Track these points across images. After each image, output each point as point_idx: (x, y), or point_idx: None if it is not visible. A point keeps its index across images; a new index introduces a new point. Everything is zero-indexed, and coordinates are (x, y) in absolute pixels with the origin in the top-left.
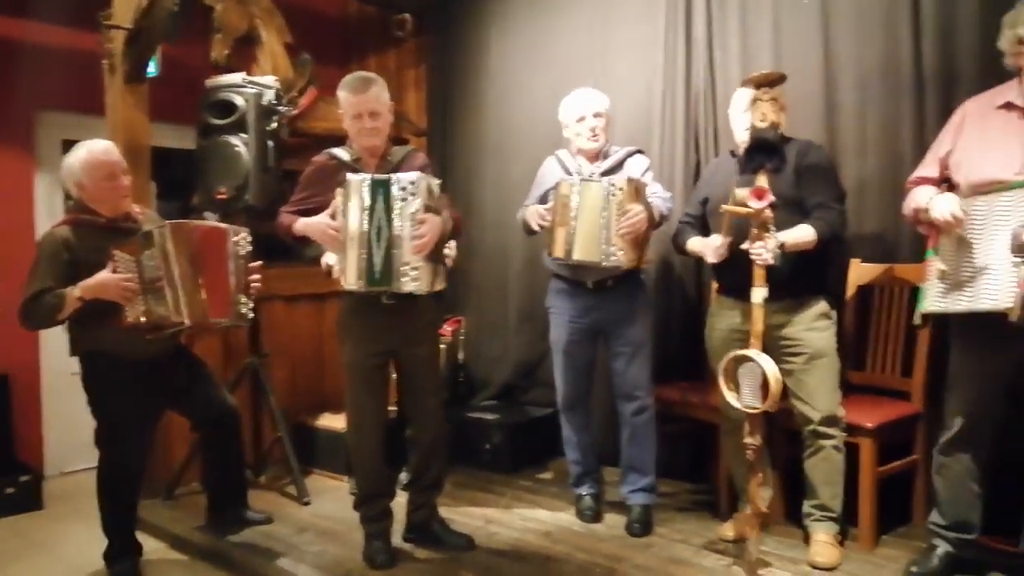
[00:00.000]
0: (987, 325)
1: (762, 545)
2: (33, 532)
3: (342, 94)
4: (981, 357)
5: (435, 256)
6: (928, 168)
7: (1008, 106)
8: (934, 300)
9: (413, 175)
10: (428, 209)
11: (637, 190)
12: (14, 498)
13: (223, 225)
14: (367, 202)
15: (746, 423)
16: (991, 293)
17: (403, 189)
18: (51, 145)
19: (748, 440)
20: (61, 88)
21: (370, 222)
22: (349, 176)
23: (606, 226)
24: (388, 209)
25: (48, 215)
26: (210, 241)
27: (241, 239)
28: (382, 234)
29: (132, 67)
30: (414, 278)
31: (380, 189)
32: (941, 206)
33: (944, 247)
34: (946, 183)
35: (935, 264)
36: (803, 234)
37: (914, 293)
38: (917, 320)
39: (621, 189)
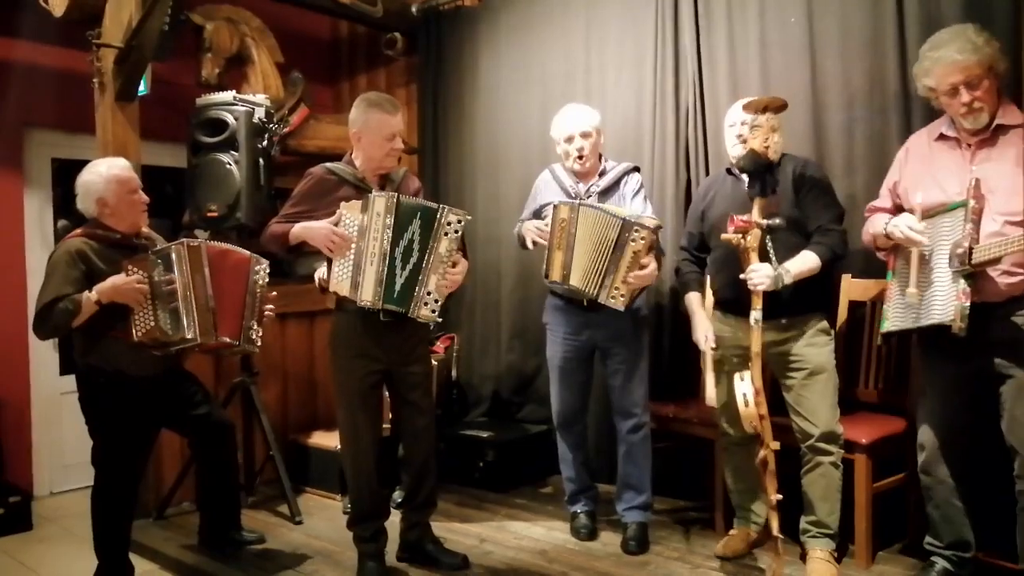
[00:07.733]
0: (943, 338)
1: (759, 562)
2: (23, 553)
3: (374, 114)
4: (943, 369)
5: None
6: (882, 199)
7: (942, 137)
8: (893, 320)
9: (460, 213)
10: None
11: (652, 245)
12: (3, 519)
13: (247, 252)
14: (393, 221)
15: (759, 436)
16: (938, 308)
17: (448, 224)
18: (41, 163)
19: (763, 452)
20: (51, 106)
21: (394, 241)
22: (376, 192)
23: (611, 265)
24: (427, 236)
25: (39, 233)
26: (231, 265)
27: (262, 269)
28: (410, 256)
29: (122, 86)
30: (431, 308)
31: (420, 213)
32: (900, 224)
33: (901, 269)
34: (900, 211)
35: (896, 287)
36: (807, 262)
37: None
38: (879, 341)
39: (643, 238)
